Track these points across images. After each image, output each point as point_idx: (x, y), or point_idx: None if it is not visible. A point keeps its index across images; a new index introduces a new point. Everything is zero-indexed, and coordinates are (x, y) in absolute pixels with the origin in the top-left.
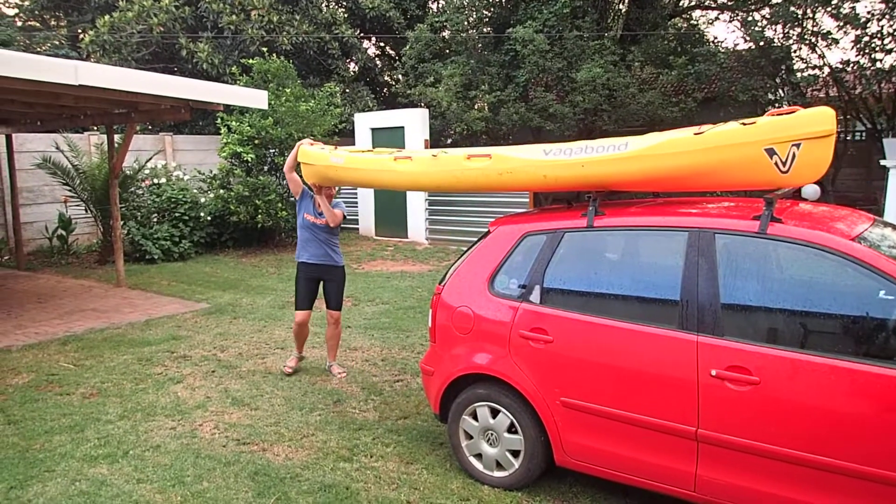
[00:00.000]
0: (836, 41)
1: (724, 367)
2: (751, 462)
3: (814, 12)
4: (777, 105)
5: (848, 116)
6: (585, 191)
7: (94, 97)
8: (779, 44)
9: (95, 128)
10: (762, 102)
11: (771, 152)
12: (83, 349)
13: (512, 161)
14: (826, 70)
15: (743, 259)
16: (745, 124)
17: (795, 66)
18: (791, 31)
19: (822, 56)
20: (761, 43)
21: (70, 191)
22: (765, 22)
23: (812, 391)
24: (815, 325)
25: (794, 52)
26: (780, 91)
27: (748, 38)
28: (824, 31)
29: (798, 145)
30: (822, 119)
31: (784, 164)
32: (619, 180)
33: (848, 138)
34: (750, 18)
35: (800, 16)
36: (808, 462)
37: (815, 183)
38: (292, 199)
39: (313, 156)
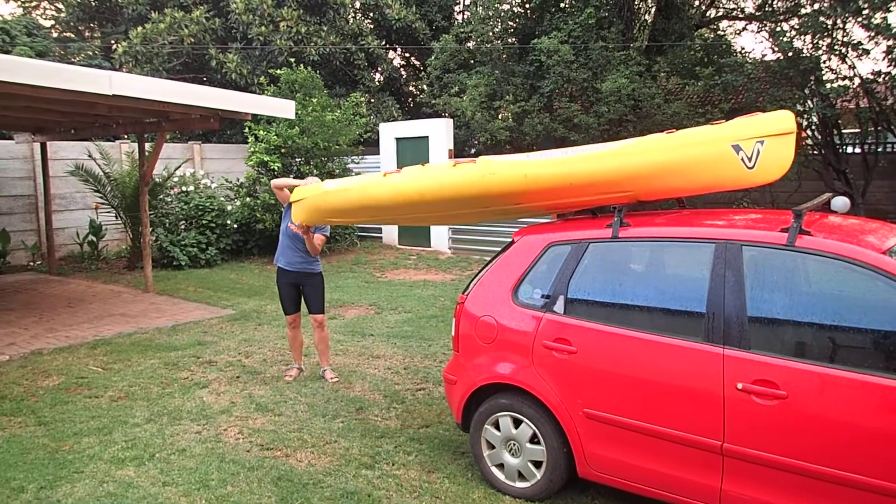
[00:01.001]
0: (867, 52)
1: (751, 381)
2: (777, 478)
3: (844, 22)
4: (806, 116)
5: (879, 128)
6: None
7: (127, 106)
8: (808, 54)
9: (127, 136)
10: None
11: (737, 148)
12: (112, 353)
13: (495, 163)
14: (856, 81)
15: (770, 271)
16: (712, 124)
17: (825, 77)
18: (820, 42)
19: (852, 67)
20: (790, 53)
21: (101, 198)
22: (794, 32)
23: (841, 406)
24: (845, 339)
25: (824, 62)
26: (809, 102)
27: (776, 49)
28: (855, 42)
29: (762, 142)
30: (783, 119)
31: (750, 159)
32: (592, 179)
33: (879, 150)
34: (778, 29)
35: (829, 26)
36: (835, 479)
37: (842, 195)
38: None
39: (306, 190)
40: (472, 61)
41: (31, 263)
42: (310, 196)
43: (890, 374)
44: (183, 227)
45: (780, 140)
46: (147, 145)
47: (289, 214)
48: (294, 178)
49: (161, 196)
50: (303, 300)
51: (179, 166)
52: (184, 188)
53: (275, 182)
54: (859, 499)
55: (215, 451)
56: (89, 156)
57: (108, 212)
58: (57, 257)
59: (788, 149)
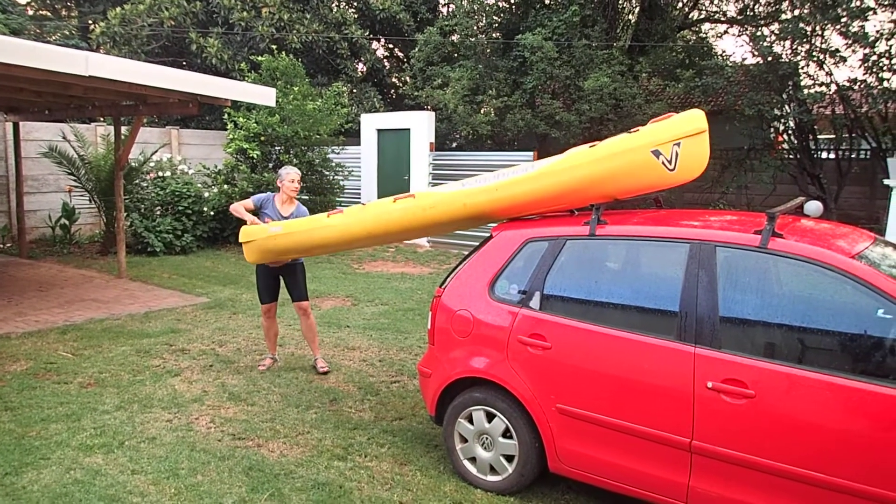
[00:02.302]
0: (844, 59)
1: (721, 380)
2: (744, 475)
3: (823, 29)
4: (783, 121)
5: (853, 135)
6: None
7: (103, 88)
8: (787, 60)
9: (103, 119)
10: (768, 118)
11: (657, 153)
12: (82, 339)
13: (433, 196)
14: (833, 87)
15: (743, 273)
16: (630, 132)
17: (802, 83)
18: (799, 48)
19: (829, 73)
20: (769, 58)
21: (75, 181)
22: (773, 37)
23: (807, 407)
24: (813, 341)
25: (802, 68)
26: (787, 107)
27: (756, 53)
28: (833, 49)
29: (678, 144)
30: (695, 119)
31: (670, 162)
32: (530, 199)
33: (852, 156)
34: (759, 33)
35: (809, 32)
36: (800, 477)
37: (816, 199)
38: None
39: (252, 232)
40: (455, 55)
41: (2, 246)
42: (257, 238)
43: (855, 377)
44: (158, 212)
45: (695, 140)
46: (123, 129)
47: (263, 217)
48: (274, 166)
49: (136, 181)
50: (282, 290)
51: (156, 151)
52: (160, 173)
53: (233, 207)
54: (823, 497)
55: (186, 439)
56: (63, 137)
57: (82, 195)
58: (28, 240)
59: (703, 147)
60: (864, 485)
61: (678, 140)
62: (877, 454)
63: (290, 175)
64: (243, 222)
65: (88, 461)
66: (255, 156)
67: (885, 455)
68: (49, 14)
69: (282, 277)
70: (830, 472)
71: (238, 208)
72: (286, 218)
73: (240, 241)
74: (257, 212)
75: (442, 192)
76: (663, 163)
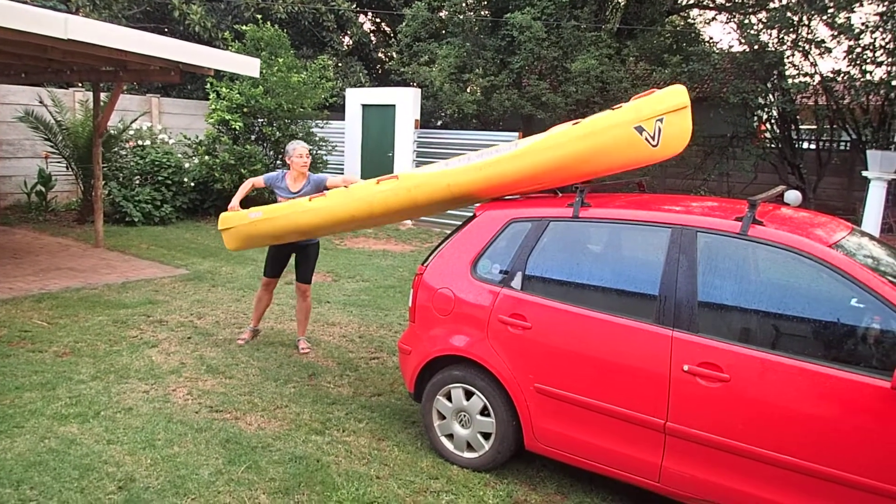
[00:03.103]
0: (829, 50)
1: (697, 364)
2: (716, 457)
3: (809, 20)
4: (767, 110)
5: (834, 126)
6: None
7: (83, 53)
8: (773, 48)
9: (81, 84)
10: (752, 106)
11: (640, 129)
12: (58, 307)
13: (417, 177)
14: (817, 78)
15: (723, 259)
16: (613, 109)
17: (787, 72)
18: (786, 37)
19: (814, 64)
20: (756, 46)
21: (52, 147)
22: (761, 26)
23: (780, 392)
24: (788, 327)
25: (788, 58)
26: (771, 96)
27: (743, 41)
28: (818, 40)
29: (661, 120)
30: (677, 94)
31: (653, 138)
32: (514, 177)
33: (833, 147)
34: (746, 21)
35: (795, 22)
36: (771, 460)
37: (795, 189)
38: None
39: (230, 218)
40: (443, 31)
41: None
42: (237, 225)
43: (827, 363)
44: (137, 182)
45: (677, 115)
46: (102, 95)
47: (277, 192)
48: (256, 138)
49: (115, 149)
50: (291, 266)
51: (136, 119)
52: (140, 142)
53: (241, 189)
54: (792, 480)
55: (163, 411)
56: (40, 102)
57: (59, 162)
58: (2, 206)
59: (686, 122)
60: (833, 468)
61: (661, 116)
62: (845, 439)
63: (297, 150)
64: (225, 194)
65: (63, 430)
66: (237, 127)
67: (854, 440)
68: None
69: (294, 255)
70: (800, 455)
71: (242, 188)
72: (296, 194)
73: (219, 228)
74: (271, 190)
75: (426, 172)
76: (646, 139)
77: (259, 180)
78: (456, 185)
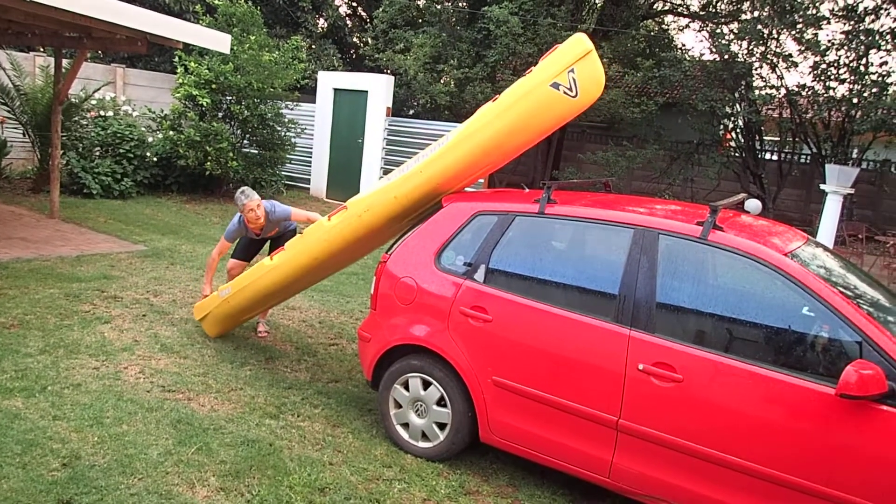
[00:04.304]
0: (796, 64)
1: (652, 363)
2: (665, 455)
3: (779, 34)
4: (733, 119)
5: (796, 139)
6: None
7: (45, 16)
8: (742, 59)
9: (43, 49)
10: (719, 115)
11: (556, 86)
12: (7, 278)
13: (365, 199)
14: (783, 91)
15: (682, 261)
16: (525, 74)
17: (755, 84)
18: (755, 49)
19: (780, 77)
20: (726, 56)
21: (8, 112)
22: (732, 36)
23: (730, 394)
24: (741, 332)
25: (756, 69)
26: (738, 106)
27: (714, 50)
28: (786, 53)
29: (573, 70)
30: (579, 42)
31: (571, 90)
32: (457, 168)
33: (794, 160)
34: (718, 31)
35: (765, 35)
36: (719, 460)
37: (756, 198)
38: (245, 149)
39: (204, 305)
40: (420, 20)
41: None
42: (212, 309)
43: (777, 368)
44: (97, 153)
45: (586, 62)
46: (65, 62)
47: (243, 240)
48: (223, 115)
49: (76, 118)
50: (261, 250)
51: (99, 89)
52: (102, 113)
53: (209, 265)
54: (739, 481)
55: (113, 388)
56: None
57: (16, 128)
58: None
59: (595, 65)
60: (778, 471)
61: (571, 67)
62: (791, 443)
63: (247, 205)
64: (188, 171)
65: (7, 404)
66: (204, 104)
67: (798, 444)
68: None
69: (271, 241)
70: (747, 457)
71: (209, 267)
72: (258, 235)
73: (196, 318)
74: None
75: (370, 193)
76: (565, 92)
77: (224, 244)
78: (403, 196)
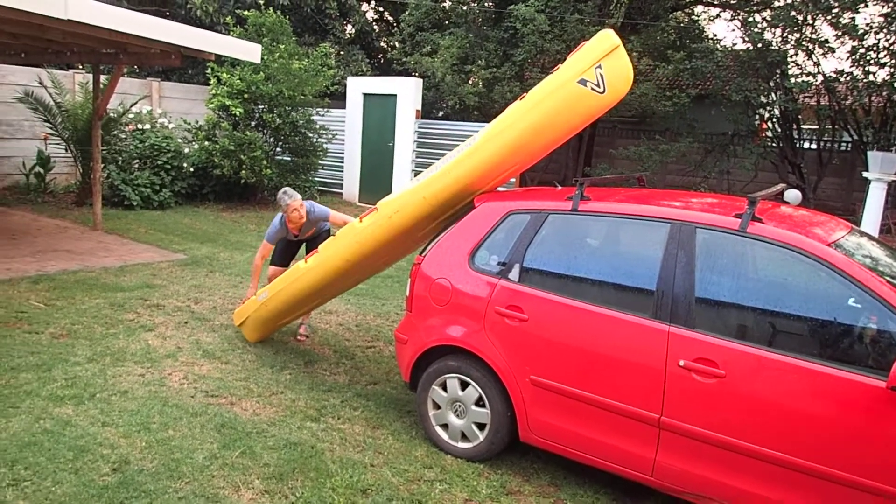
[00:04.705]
0: (833, 50)
1: (693, 359)
2: (709, 452)
3: (814, 19)
4: (769, 109)
5: (836, 126)
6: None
7: (83, 34)
8: (776, 47)
9: (81, 66)
10: (754, 104)
11: (583, 82)
12: (55, 289)
13: (395, 201)
14: (820, 78)
15: (721, 255)
16: (552, 72)
17: (790, 72)
18: (790, 36)
19: (817, 64)
20: (759, 45)
21: (51, 128)
22: (765, 24)
23: (774, 389)
24: (784, 325)
25: (791, 57)
26: (773, 95)
27: (747, 39)
28: (822, 39)
29: (600, 66)
30: (606, 38)
31: (598, 86)
32: (485, 168)
33: (834, 148)
34: (750, 19)
35: (800, 21)
36: (764, 456)
37: (795, 188)
38: (278, 157)
39: (243, 311)
40: (446, 22)
41: None
42: (251, 314)
43: (823, 362)
44: (136, 166)
45: (613, 57)
46: (102, 78)
47: (282, 241)
48: (256, 124)
49: (115, 132)
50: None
51: (136, 102)
52: (139, 126)
53: (254, 266)
54: (785, 477)
55: (158, 394)
56: (40, 83)
57: (58, 144)
58: (0, 187)
59: (623, 61)
60: (826, 466)
61: (598, 63)
62: (839, 437)
63: (291, 205)
64: (224, 180)
65: (58, 411)
66: (237, 113)
67: (847, 438)
68: None
69: (306, 243)
70: (793, 452)
71: (254, 271)
72: (297, 236)
73: (236, 323)
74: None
75: (400, 194)
76: (592, 89)
77: (266, 247)
78: (432, 196)
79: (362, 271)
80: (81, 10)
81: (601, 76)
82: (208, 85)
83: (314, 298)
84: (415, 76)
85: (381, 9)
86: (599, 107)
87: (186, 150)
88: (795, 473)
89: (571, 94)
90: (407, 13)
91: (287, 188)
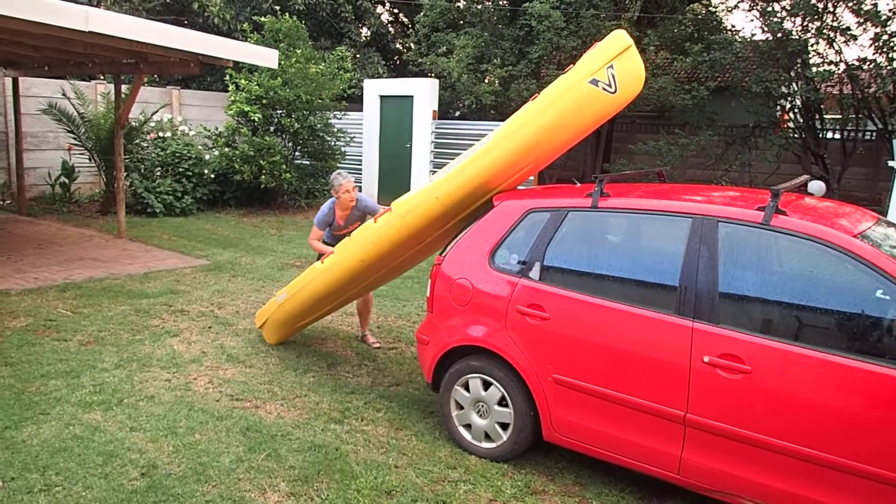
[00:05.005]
0: (855, 38)
1: (717, 355)
2: (736, 449)
3: (835, 7)
4: (790, 99)
5: (860, 115)
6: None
7: (104, 45)
8: (797, 36)
9: (103, 76)
10: (775, 95)
11: (595, 82)
12: (81, 297)
13: (408, 201)
14: (842, 66)
15: (744, 249)
16: (564, 72)
17: (811, 61)
18: (810, 25)
19: (839, 52)
20: (779, 34)
21: (74, 139)
22: (784, 13)
23: (802, 384)
24: (811, 318)
25: (812, 46)
26: (794, 85)
27: (766, 29)
28: (843, 27)
29: (612, 66)
30: (618, 38)
31: (610, 86)
32: (497, 168)
33: (858, 137)
34: (770, 9)
35: (820, 9)
36: (792, 452)
37: (819, 179)
38: (297, 161)
39: (263, 312)
40: (461, 21)
41: (1, 203)
42: (270, 316)
43: (850, 355)
44: (158, 173)
45: (625, 57)
46: (124, 87)
47: (328, 232)
48: (275, 129)
49: (137, 141)
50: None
51: (157, 111)
52: (160, 134)
53: (314, 246)
54: (812, 472)
55: (184, 399)
56: (63, 94)
57: (82, 154)
58: (27, 197)
59: (635, 61)
60: (856, 461)
61: (610, 63)
62: (868, 431)
63: (343, 186)
64: (244, 186)
65: (87, 417)
66: (256, 119)
67: (877, 432)
68: None
69: None
70: (822, 448)
71: (317, 246)
72: (344, 228)
73: (257, 325)
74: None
75: (414, 193)
76: (604, 89)
77: (316, 232)
78: (444, 196)
79: (379, 273)
80: (102, 22)
81: (613, 76)
82: (227, 91)
83: (331, 300)
84: (431, 77)
85: (395, 11)
86: (612, 107)
87: (207, 157)
88: (823, 468)
89: (583, 94)
90: (422, 14)
91: (339, 170)
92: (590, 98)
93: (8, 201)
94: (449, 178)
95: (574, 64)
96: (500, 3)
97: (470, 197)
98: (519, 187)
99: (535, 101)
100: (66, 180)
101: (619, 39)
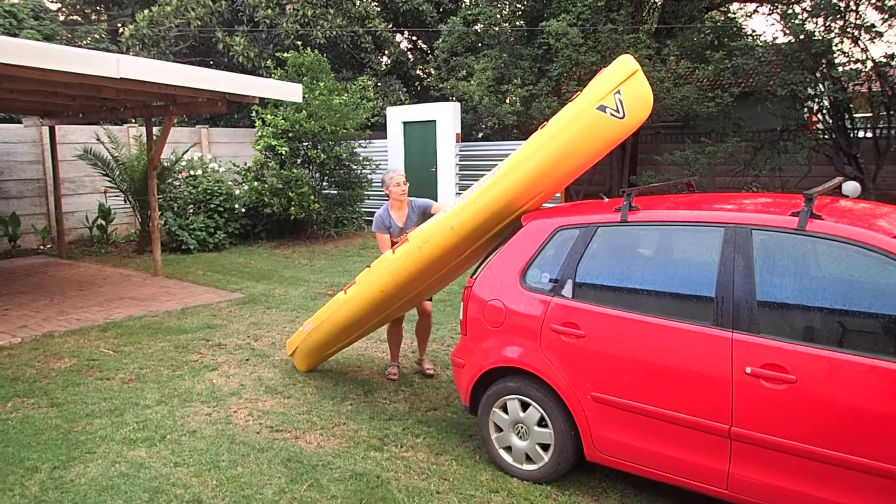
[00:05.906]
0: (881, 34)
1: (760, 365)
2: (785, 461)
3: (857, 4)
4: (817, 100)
5: (891, 112)
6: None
7: (134, 90)
8: (820, 37)
9: (134, 120)
10: (801, 97)
11: (603, 108)
12: (122, 336)
13: (424, 231)
14: (869, 64)
15: (780, 256)
16: (572, 100)
17: (837, 60)
18: (833, 24)
19: (864, 50)
20: (801, 36)
21: (110, 182)
22: (805, 15)
23: (850, 391)
24: (854, 323)
25: (836, 45)
26: (821, 86)
27: (788, 32)
28: (867, 24)
29: (619, 92)
30: (624, 63)
31: (618, 111)
32: (509, 197)
33: (891, 134)
34: (790, 11)
35: (842, 8)
36: (843, 462)
37: (853, 180)
38: (325, 191)
39: (293, 341)
40: (479, 44)
41: (42, 247)
42: (299, 344)
43: None
44: (191, 211)
45: (632, 82)
46: (155, 129)
47: (386, 236)
48: (302, 161)
49: (169, 180)
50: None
51: (187, 150)
52: (192, 172)
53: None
54: (866, 482)
55: (225, 432)
56: (97, 139)
57: (117, 196)
58: (67, 241)
59: (642, 86)
60: None
61: (617, 88)
62: None
63: (394, 179)
64: (274, 218)
65: (132, 454)
66: (283, 152)
67: None
68: (79, 19)
69: None
70: (875, 457)
71: (383, 246)
72: (403, 229)
73: (288, 354)
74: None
75: (430, 224)
76: (612, 114)
77: (380, 238)
78: (459, 226)
79: (401, 301)
80: (132, 68)
81: (620, 101)
82: (254, 127)
83: (356, 329)
84: (452, 100)
85: (414, 38)
86: (620, 132)
87: (237, 192)
88: (877, 478)
89: (591, 120)
90: (440, 40)
91: (387, 168)
92: (598, 124)
93: (49, 245)
94: (462, 209)
95: (581, 91)
96: (517, 24)
97: (484, 226)
98: (545, 205)
99: (544, 129)
100: (104, 222)
101: (626, 65)
